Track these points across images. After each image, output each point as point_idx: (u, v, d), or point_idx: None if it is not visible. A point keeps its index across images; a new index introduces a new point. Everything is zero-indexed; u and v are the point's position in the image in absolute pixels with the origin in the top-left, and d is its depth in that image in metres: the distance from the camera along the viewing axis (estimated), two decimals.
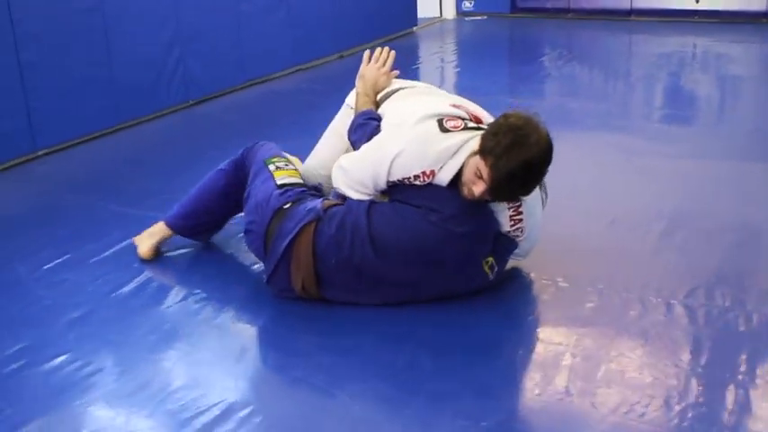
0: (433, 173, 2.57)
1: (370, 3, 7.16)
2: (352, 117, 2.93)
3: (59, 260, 3.17)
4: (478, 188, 2.48)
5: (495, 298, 2.75)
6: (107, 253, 3.23)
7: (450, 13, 8.75)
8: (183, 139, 4.88)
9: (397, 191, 2.65)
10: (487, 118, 2.78)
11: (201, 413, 2.22)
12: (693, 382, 2.27)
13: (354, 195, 2.71)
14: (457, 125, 2.62)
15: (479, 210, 2.60)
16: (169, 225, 3.14)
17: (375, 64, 3.06)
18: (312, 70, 6.47)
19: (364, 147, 2.76)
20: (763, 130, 4.72)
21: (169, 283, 3.01)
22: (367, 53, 3.11)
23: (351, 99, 3.09)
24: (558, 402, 2.22)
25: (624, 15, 8.11)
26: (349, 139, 2.92)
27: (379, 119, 2.84)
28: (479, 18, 8.67)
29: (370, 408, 2.27)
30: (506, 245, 2.74)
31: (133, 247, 3.21)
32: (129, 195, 3.83)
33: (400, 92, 3.01)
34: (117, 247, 3.26)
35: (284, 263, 2.69)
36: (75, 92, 4.59)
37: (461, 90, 6.34)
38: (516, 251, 2.81)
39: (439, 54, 7.27)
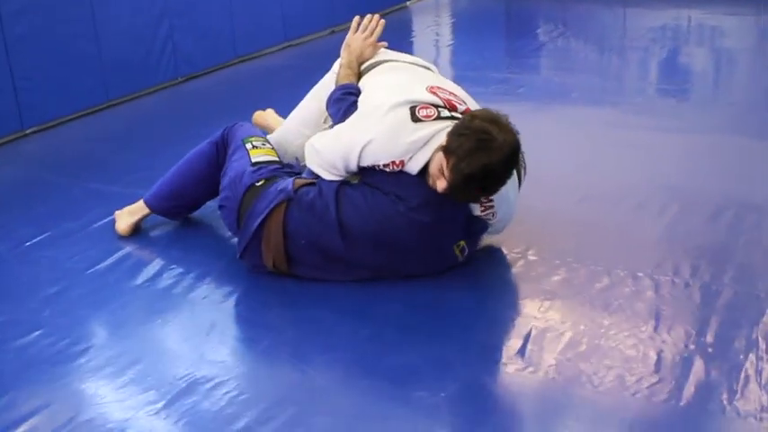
0: (402, 162, 2.58)
1: None
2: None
3: (39, 238, 3.21)
4: (441, 184, 2.48)
5: (463, 272, 2.77)
6: (86, 230, 3.26)
7: None
8: (171, 115, 4.89)
9: (368, 174, 2.67)
10: (468, 103, 2.75)
11: (168, 386, 2.26)
12: (651, 352, 2.30)
13: (326, 176, 2.72)
14: (430, 114, 2.60)
15: (447, 199, 2.57)
16: (148, 204, 3.17)
17: (362, 33, 3.06)
18: (303, 46, 6.46)
19: (336, 128, 2.78)
20: (757, 103, 4.71)
21: (146, 258, 3.04)
22: (356, 20, 3.12)
23: (337, 65, 3.10)
24: (517, 373, 2.26)
25: None
26: (327, 110, 2.94)
27: (357, 93, 2.83)
28: None
29: (332, 379, 2.30)
30: (478, 227, 2.76)
31: (110, 224, 3.25)
32: (112, 173, 3.85)
33: (383, 65, 3.00)
34: (96, 225, 3.29)
35: (255, 241, 2.73)
36: (63, 69, 4.61)
37: (456, 66, 6.43)
38: (489, 230, 2.83)
39: (433, 28, 7.26)
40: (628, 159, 3.78)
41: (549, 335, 2.40)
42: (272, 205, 2.69)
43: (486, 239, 2.93)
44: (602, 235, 3.03)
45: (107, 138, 4.51)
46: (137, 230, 3.21)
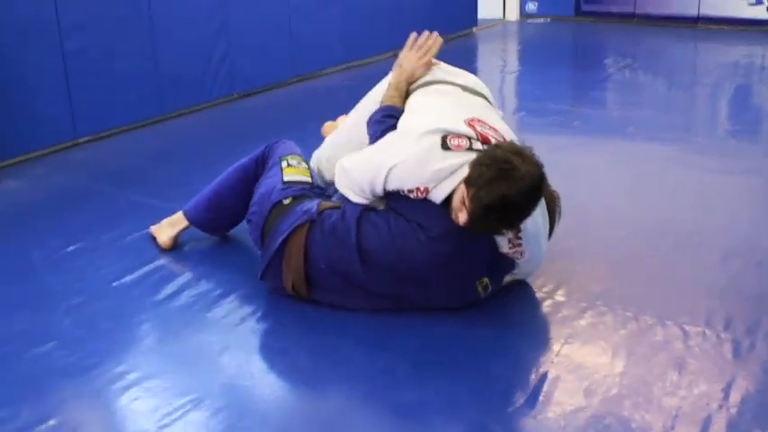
0: (427, 190, 2.51)
1: (429, 0, 7.10)
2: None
3: (73, 247, 3.24)
4: (462, 217, 2.41)
5: (487, 308, 2.69)
6: (120, 242, 3.28)
7: (513, 14, 8.65)
8: (222, 132, 4.92)
9: (393, 199, 2.62)
10: (506, 135, 2.66)
11: (172, 407, 2.23)
12: (668, 408, 2.18)
13: (354, 198, 2.68)
14: (461, 144, 2.52)
15: (469, 233, 2.50)
16: (187, 216, 3.19)
17: (417, 52, 2.95)
18: (365, 68, 6.46)
19: (368, 149, 2.74)
20: None
21: (173, 274, 3.03)
22: (412, 37, 2.99)
23: (377, 90, 3.02)
24: (526, 419, 2.17)
25: (691, 22, 7.89)
26: (366, 130, 2.86)
27: (398, 116, 2.76)
28: (542, 21, 8.55)
29: (339, 411, 2.25)
30: (503, 265, 2.68)
31: (145, 237, 3.27)
32: (154, 186, 3.89)
33: (431, 87, 2.90)
34: (130, 237, 3.31)
35: (276, 260, 2.70)
36: (119, 81, 4.69)
37: (517, 95, 6.34)
38: (514, 271, 2.76)
39: (499, 56, 7.19)
40: (679, 199, 3.65)
41: (565, 381, 2.31)
42: (294, 225, 2.66)
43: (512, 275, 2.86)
44: (638, 277, 2.91)
45: (156, 151, 4.57)
46: (176, 244, 3.21)
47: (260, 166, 3.04)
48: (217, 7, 5.21)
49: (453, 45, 7.30)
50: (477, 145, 2.53)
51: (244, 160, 3.15)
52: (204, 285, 2.93)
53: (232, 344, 2.57)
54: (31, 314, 2.75)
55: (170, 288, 2.90)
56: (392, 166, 2.53)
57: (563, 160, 3.93)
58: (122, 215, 3.55)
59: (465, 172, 2.45)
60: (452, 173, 2.49)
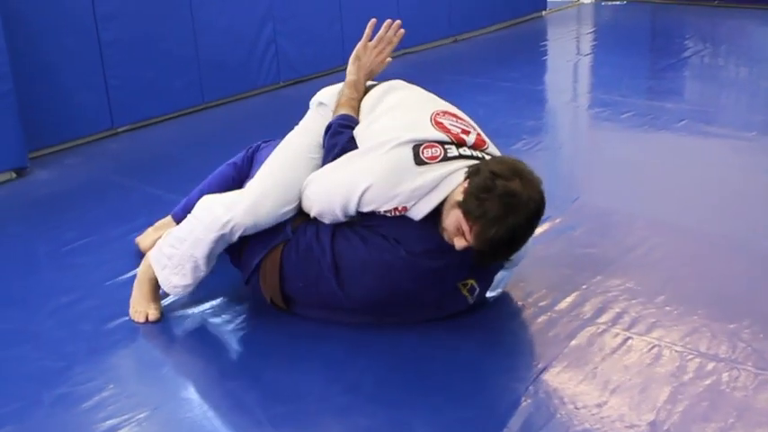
0: (405, 209, 2.35)
1: None
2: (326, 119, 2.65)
3: (80, 242, 3.23)
4: (460, 243, 2.26)
5: (473, 322, 2.55)
6: (126, 238, 3.23)
7: None
8: (266, 120, 4.84)
9: (367, 217, 2.44)
10: (476, 129, 2.50)
11: (124, 416, 2.17)
12: None
13: (326, 221, 2.50)
14: (435, 155, 2.33)
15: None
16: (175, 218, 3.10)
17: (377, 46, 2.76)
18: (422, 53, 6.30)
19: (331, 171, 2.48)
20: None
21: None
22: (371, 25, 2.74)
23: (324, 95, 2.78)
24: None
25: None
26: (323, 141, 2.61)
27: (354, 125, 2.58)
28: (618, 3, 8.18)
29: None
30: (491, 265, 2.51)
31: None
32: (179, 179, 3.79)
33: (385, 83, 2.74)
34: (137, 234, 3.27)
35: (255, 278, 2.59)
36: (159, 70, 4.66)
37: (593, 86, 6.00)
38: (505, 267, 2.60)
39: (570, 41, 6.87)
40: (716, 201, 3.39)
41: (538, 410, 2.13)
42: (269, 247, 2.51)
43: (515, 285, 2.69)
44: (651, 294, 2.69)
45: (195, 140, 4.54)
46: None
47: (243, 169, 2.92)
48: None
49: (520, 29, 7.08)
50: (453, 150, 2.36)
51: (234, 159, 3.04)
52: (195, 290, 2.84)
53: (201, 353, 2.49)
54: (18, 312, 2.73)
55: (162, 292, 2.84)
56: (365, 190, 2.34)
57: (624, 156, 3.73)
58: (139, 209, 3.50)
59: (446, 186, 2.30)
60: (431, 189, 2.32)
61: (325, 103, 2.75)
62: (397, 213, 2.36)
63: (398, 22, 2.77)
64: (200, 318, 2.66)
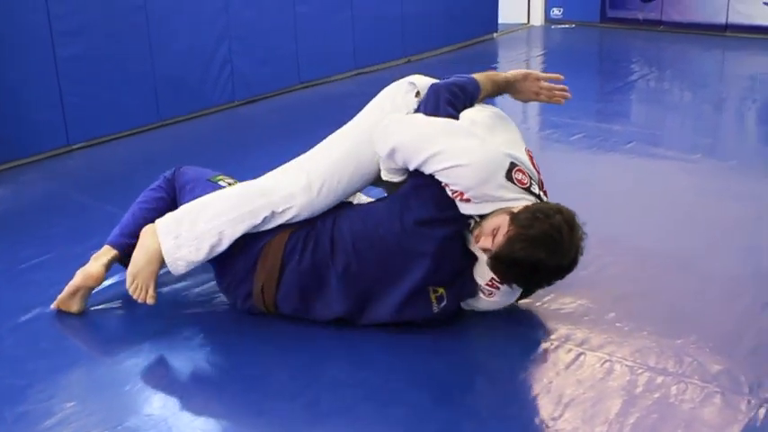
0: (467, 200, 2.42)
1: (444, 4, 6.96)
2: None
3: (38, 260, 3.23)
4: (485, 243, 2.38)
5: (449, 335, 2.62)
6: (86, 256, 3.22)
7: (537, 20, 8.48)
8: (221, 139, 4.89)
9: (416, 176, 2.51)
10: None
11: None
12: None
13: (386, 165, 2.58)
14: (523, 181, 2.44)
15: (463, 249, 2.52)
16: (112, 244, 2.92)
17: (541, 86, 2.84)
18: (375, 74, 6.37)
19: (425, 125, 2.52)
20: None
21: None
22: (559, 76, 2.91)
23: (417, 79, 2.81)
24: None
25: (719, 30, 7.64)
26: (431, 89, 2.69)
27: (470, 99, 2.66)
28: (567, 26, 8.37)
29: None
30: (467, 289, 2.60)
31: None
32: (132, 196, 3.77)
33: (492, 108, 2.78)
34: (96, 251, 3.27)
35: (249, 264, 2.62)
36: (114, 87, 4.68)
37: (542, 107, 6.09)
38: (472, 302, 2.67)
39: (520, 63, 7.01)
40: (665, 221, 3.50)
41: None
42: (278, 232, 2.61)
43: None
44: (602, 311, 2.77)
45: (150, 158, 4.53)
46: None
47: (170, 192, 2.93)
48: (218, 11, 5.16)
49: (472, 50, 7.20)
50: (535, 188, 2.48)
51: (158, 183, 3.01)
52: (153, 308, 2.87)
53: (170, 370, 2.51)
54: None
55: (119, 305, 2.86)
56: (458, 165, 2.39)
57: (574, 177, 3.87)
58: (95, 227, 3.49)
59: (509, 206, 2.40)
60: (497, 202, 2.42)
61: (415, 83, 2.79)
62: (454, 197, 2.43)
63: (569, 94, 2.88)
64: (164, 334, 2.68)
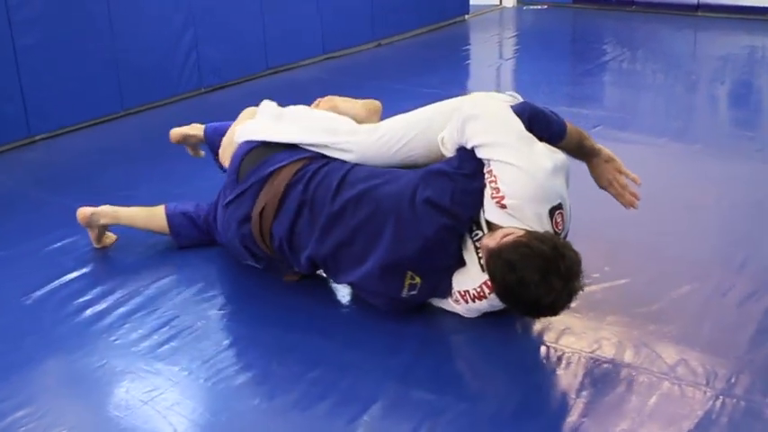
0: (503, 206, 2.39)
1: None
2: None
3: None
4: (490, 242, 2.36)
5: (397, 342, 2.58)
6: (42, 251, 3.20)
7: (510, 0, 8.42)
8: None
9: (458, 161, 2.51)
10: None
11: None
12: None
13: (450, 136, 2.56)
14: (558, 226, 2.44)
15: (456, 249, 2.51)
16: (205, 132, 3.45)
17: (617, 176, 2.73)
18: (345, 58, 6.31)
19: (518, 124, 2.49)
20: None
21: (87, 287, 2.92)
22: (638, 179, 2.76)
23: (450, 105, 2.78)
24: None
25: (691, 10, 7.62)
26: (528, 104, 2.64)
27: (552, 137, 2.60)
28: (540, 7, 8.32)
29: None
30: (441, 286, 2.58)
31: (68, 247, 3.21)
32: (95, 190, 3.73)
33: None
34: (54, 247, 3.23)
35: (257, 186, 2.72)
36: (76, 77, 4.60)
37: (515, 89, 5.99)
38: (437, 300, 2.67)
39: (492, 45, 6.96)
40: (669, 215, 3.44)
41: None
42: (295, 158, 2.72)
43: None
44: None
45: (114, 148, 4.47)
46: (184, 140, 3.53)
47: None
48: None
49: (443, 33, 7.14)
50: (560, 240, 2.41)
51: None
52: (114, 301, 2.83)
53: (125, 369, 2.46)
54: None
55: (76, 305, 2.81)
56: (519, 168, 2.38)
57: None
58: (53, 222, 3.43)
59: (530, 226, 2.38)
60: (526, 226, 2.38)
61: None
62: (494, 196, 2.40)
63: (637, 202, 2.75)
64: (121, 334, 2.64)
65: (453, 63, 6.36)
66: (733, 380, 2.31)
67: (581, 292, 2.32)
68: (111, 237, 3.24)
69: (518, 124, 2.49)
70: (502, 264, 2.28)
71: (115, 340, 2.61)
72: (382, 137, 2.73)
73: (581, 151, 2.72)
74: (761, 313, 2.65)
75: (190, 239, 3.15)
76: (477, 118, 2.47)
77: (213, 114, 4.98)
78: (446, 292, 2.59)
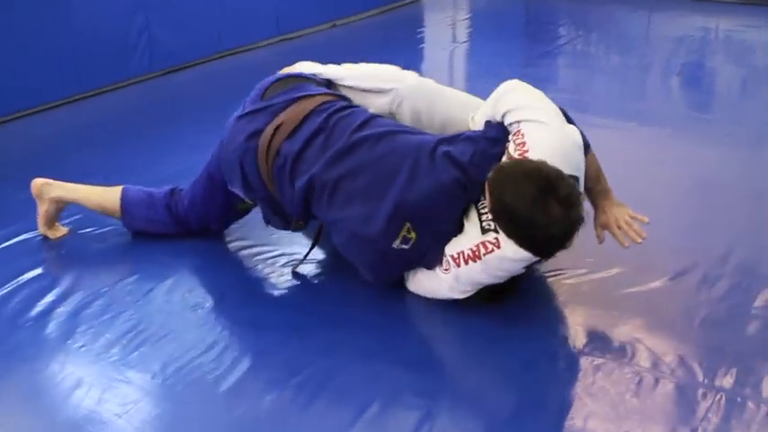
0: (524, 151, 2.39)
1: None
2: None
3: None
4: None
5: (378, 335, 2.50)
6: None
7: None
8: (143, 111, 4.66)
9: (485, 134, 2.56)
10: None
11: None
12: None
13: (483, 112, 2.64)
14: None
15: (459, 214, 2.49)
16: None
17: (627, 219, 2.67)
18: (299, 40, 6.15)
19: (551, 105, 2.57)
20: None
21: (49, 286, 2.77)
22: (646, 219, 2.70)
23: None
24: None
25: None
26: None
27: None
28: None
29: None
30: (434, 248, 2.51)
31: (22, 244, 3.04)
32: (62, 175, 3.50)
33: None
34: (6, 244, 3.06)
35: (280, 106, 2.71)
36: (27, 60, 4.41)
37: (469, 73, 5.99)
38: (417, 274, 2.61)
39: (446, 27, 6.86)
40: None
41: None
42: (325, 91, 2.78)
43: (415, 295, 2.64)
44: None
45: (70, 133, 4.30)
46: None
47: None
48: None
49: (398, 14, 7.03)
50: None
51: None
52: (76, 304, 2.67)
53: (94, 379, 2.31)
54: None
55: (37, 306, 2.66)
56: (546, 126, 2.44)
57: None
58: (7, 216, 3.25)
59: None
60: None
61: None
62: (518, 149, 2.40)
63: (639, 240, 2.66)
64: (87, 340, 2.49)
65: (408, 45, 6.22)
66: (724, 374, 2.27)
67: (582, 224, 2.30)
68: (61, 230, 3.10)
69: (552, 105, 2.56)
70: (503, 176, 2.31)
71: (81, 347, 2.46)
72: (426, 87, 2.90)
73: (599, 186, 2.69)
74: (747, 304, 2.63)
75: (139, 222, 3.03)
76: (515, 90, 2.58)
77: (165, 97, 4.87)
78: (434, 262, 2.52)
